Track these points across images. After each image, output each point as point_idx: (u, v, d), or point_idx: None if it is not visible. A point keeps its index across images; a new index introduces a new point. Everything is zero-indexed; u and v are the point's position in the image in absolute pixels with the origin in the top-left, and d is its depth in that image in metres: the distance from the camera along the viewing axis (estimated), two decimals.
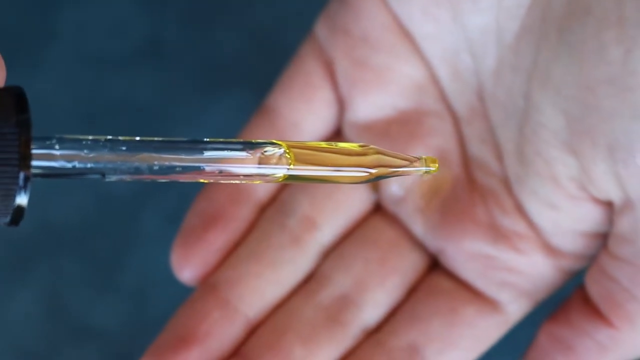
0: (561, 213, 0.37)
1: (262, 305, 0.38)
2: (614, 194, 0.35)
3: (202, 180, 0.29)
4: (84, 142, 0.27)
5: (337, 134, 0.40)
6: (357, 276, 0.39)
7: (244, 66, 0.63)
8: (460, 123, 0.39)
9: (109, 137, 0.27)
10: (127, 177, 0.28)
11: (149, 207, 0.62)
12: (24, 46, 0.62)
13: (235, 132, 0.42)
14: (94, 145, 0.27)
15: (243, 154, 0.29)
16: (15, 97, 0.26)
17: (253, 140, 0.29)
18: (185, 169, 0.28)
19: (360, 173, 0.30)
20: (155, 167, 0.28)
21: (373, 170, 0.30)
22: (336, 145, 0.30)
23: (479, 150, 0.38)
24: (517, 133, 0.37)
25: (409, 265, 0.39)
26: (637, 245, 0.36)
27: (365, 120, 0.39)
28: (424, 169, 0.31)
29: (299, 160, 0.29)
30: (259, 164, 0.29)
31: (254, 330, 0.38)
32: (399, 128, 0.39)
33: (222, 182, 0.29)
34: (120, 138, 0.28)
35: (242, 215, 0.39)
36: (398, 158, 0.31)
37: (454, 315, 0.38)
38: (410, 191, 0.39)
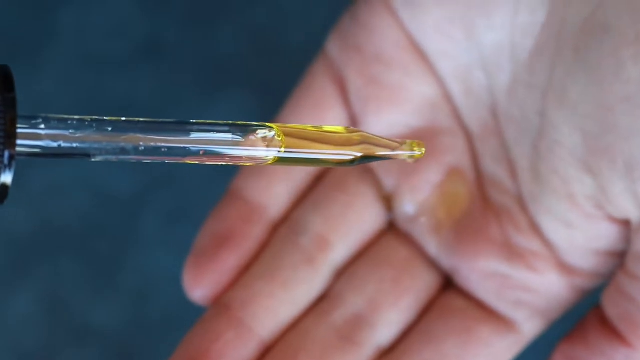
0: (577, 231, 0.36)
1: (276, 325, 0.38)
2: (631, 213, 0.35)
3: (189, 162, 0.29)
4: (69, 122, 0.27)
5: None
6: (370, 296, 0.38)
7: (244, 66, 0.63)
8: (474, 140, 0.39)
9: (95, 117, 0.27)
10: (113, 158, 0.28)
11: (148, 207, 0.62)
12: (24, 46, 0.62)
13: None
14: (80, 125, 0.27)
15: (229, 136, 0.29)
16: (0, 75, 0.26)
17: (240, 123, 0.29)
18: (172, 150, 0.28)
19: (347, 156, 0.30)
20: (141, 148, 0.28)
21: (358, 154, 0.30)
22: (322, 128, 0.30)
23: (493, 167, 0.38)
24: (531, 151, 0.37)
25: (422, 284, 0.39)
26: None
27: None
28: (409, 152, 0.31)
29: (289, 143, 0.29)
30: (250, 146, 0.29)
31: (267, 351, 0.38)
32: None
33: (208, 163, 0.29)
34: (106, 118, 0.28)
35: (254, 235, 0.39)
36: (383, 141, 0.31)
37: (468, 334, 0.38)
38: (424, 210, 0.39)
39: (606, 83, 0.34)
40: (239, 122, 0.29)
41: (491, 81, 0.37)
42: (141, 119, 0.28)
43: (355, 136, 0.30)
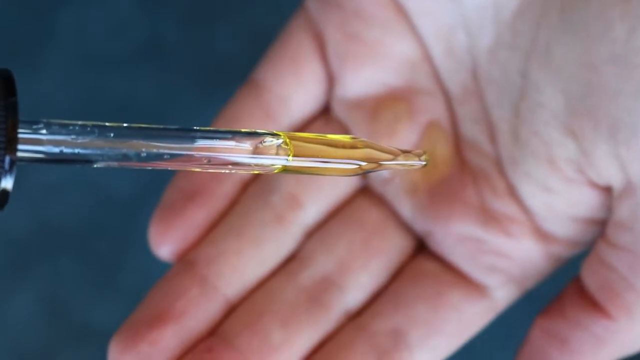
0: (556, 196, 0.35)
1: (242, 284, 0.37)
2: (614, 178, 0.34)
3: (194, 169, 0.28)
4: (71, 128, 0.27)
5: (325, 110, 0.39)
6: (340, 258, 0.37)
7: (244, 66, 0.63)
8: (453, 102, 0.38)
9: (97, 122, 0.27)
10: (114, 164, 0.27)
11: (148, 207, 0.62)
12: (24, 47, 0.62)
13: None
14: (82, 131, 0.27)
15: (232, 143, 0.29)
16: (2, 80, 0.26)
17: (246, 130, 0.29)
18: (174, 157, 0.28)
19: (352, 166, 0.30)
20: (143, 154, 0.28)
21: (363, 164, 0.30)
22: (326, 137, 0.30)
23: (472, 130, 0.37)
24: (512, 113, 0.36)
25: (394, 247, 0.38)
26: (637, 232, 0.34)
27: (355, 96, 0.38)
28: (413, 162, 0.31)
29: (296, 152, 0.29)
30: (256, 154, 0.29)
31: (232, 310, 0.37)
32: (391, 105, 0.38)
33: (212, 171, 0.29)
34: (108, 124, 0.27)
35: (223, 192, 0.38)
36: (386, 152, 0.31)
37: (439, 299, 0.37)
38: (399, 171, 0.38)
39: (592, 43, 0.33)
40: (246, 130, 0.29)
41: (473, 42, 0.37)
42: (144, 125, 0.28)
43: (360, 145, 0.30)
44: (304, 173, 0.30)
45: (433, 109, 0.38)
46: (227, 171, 0.29)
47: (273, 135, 0.29)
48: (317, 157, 0.30)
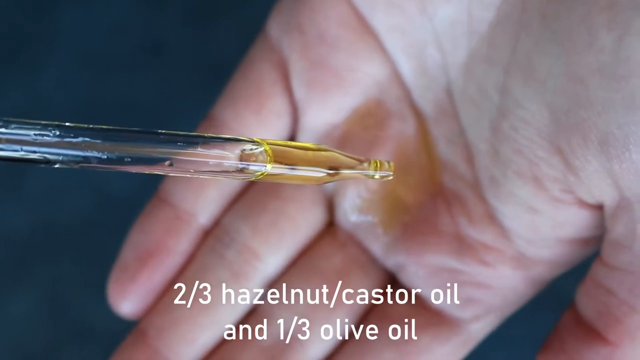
0: (540, 217, 0.33)
1: (194, 353, 0.36)
2: (606, 195, 0.32)
3: (156, 172, 0.28)
4: (31, 127, 0.27)
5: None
6: (301, 312, 0.36)
7: None
8: (427, 123, 0.36)
9: (56, 122, 0.27)
10: (74, 165, 0.27)
11: None
12: (25, 46, 0.62)
13: None
14: (42, 131, 0.27)
15: (198, 149, 0.28)
16: None
17: (227, 136, 0.28)
18: (135, 161, 0.27)
19: (320, 174, 0.30)
20: (104, 157, 0.27)
21: (331, 171, 0.30)
22: (296, 144, 0.30)
23: (448, 152, 0.36)
24: (491, 131, 0.34)
25: (358, 294, 0.36)
26: (635, 250, 0.32)
27: (322, 126, 0.37)
28: (382, 173, 0.30)
29: (276, 160, 0.29)
30: (240, 161, 0.28)
31: None
32: (359, 133, 0.36)
33: (179, 175, 0.28)
34: (68, 124, 0.27)
35: (180, 248, 0.37)
36: (352, 159, 0.30)
37: (406, 345, 0.35)
38: (370, 207, 0.36)
39: (577, 53, 0.31)
40: (227, 136, 0.29)
41: (446, 58, 0.35)
42: (108, 127, 0.27)
43: (324, 154, 0.30)
44: (281, 180, 0.29)
45: (403, 133, 0.36)
46: (208, 177, 0.29)
47: (254, 142, 0.29)
48: (294, 164, 0.29)
